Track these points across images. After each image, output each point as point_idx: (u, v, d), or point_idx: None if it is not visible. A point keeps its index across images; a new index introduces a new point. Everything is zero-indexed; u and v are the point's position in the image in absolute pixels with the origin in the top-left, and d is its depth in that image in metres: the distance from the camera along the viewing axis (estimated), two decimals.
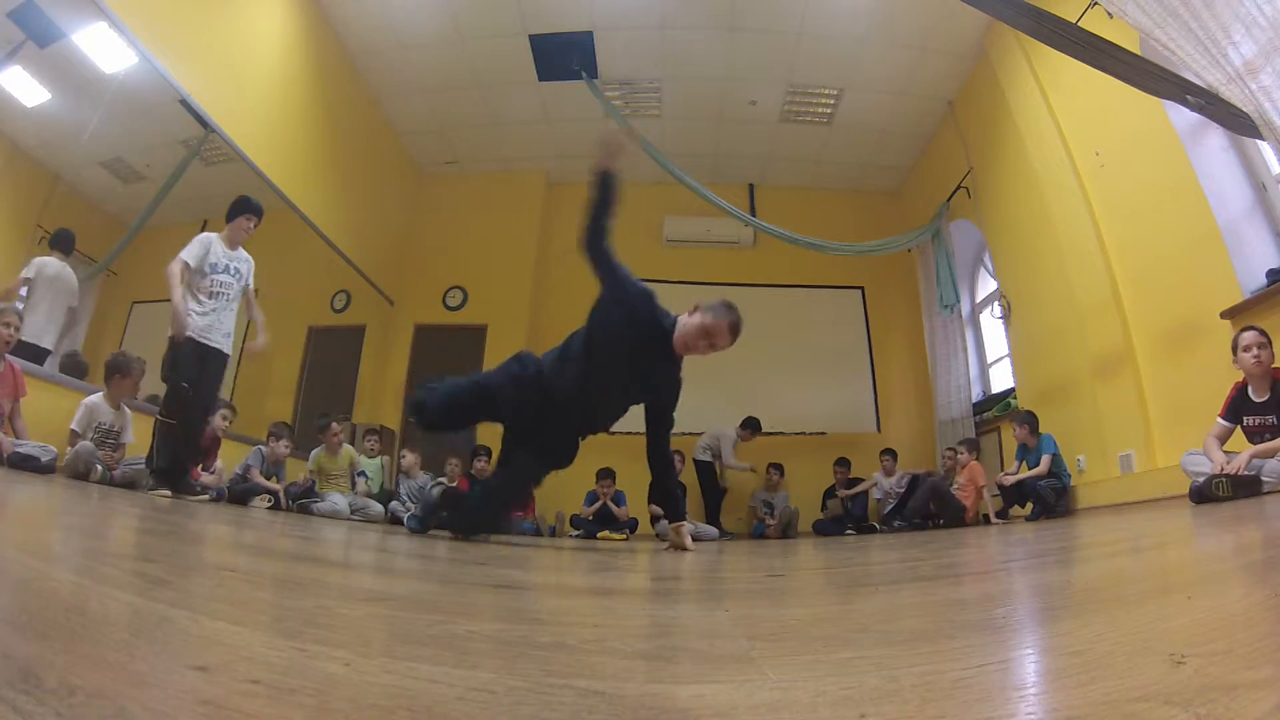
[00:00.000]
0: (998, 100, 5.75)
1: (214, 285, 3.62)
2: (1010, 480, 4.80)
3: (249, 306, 3.92)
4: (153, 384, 4.61)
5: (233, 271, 3.71)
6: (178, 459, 3.49)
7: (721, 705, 0.44)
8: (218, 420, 4.34)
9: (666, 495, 2.92)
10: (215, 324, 3.61)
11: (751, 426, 6.50)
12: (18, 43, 3.69)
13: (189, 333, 3.47)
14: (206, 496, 3.68)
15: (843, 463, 6.45)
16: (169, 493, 3.38)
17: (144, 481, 3.63)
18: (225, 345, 3.67)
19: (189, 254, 3.56)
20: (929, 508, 5.35)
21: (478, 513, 2.87)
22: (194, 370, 3.48)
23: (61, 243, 3.98)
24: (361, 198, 6.72)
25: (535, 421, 2.77)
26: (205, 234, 3.68)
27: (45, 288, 3.83)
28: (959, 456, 5.37)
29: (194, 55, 4.49)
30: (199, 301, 3.57)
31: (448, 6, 5.81)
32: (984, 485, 5.24)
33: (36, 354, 3.83)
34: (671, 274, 7.42)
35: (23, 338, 3.60)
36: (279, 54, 5.37)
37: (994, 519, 5.04)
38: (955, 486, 5.28)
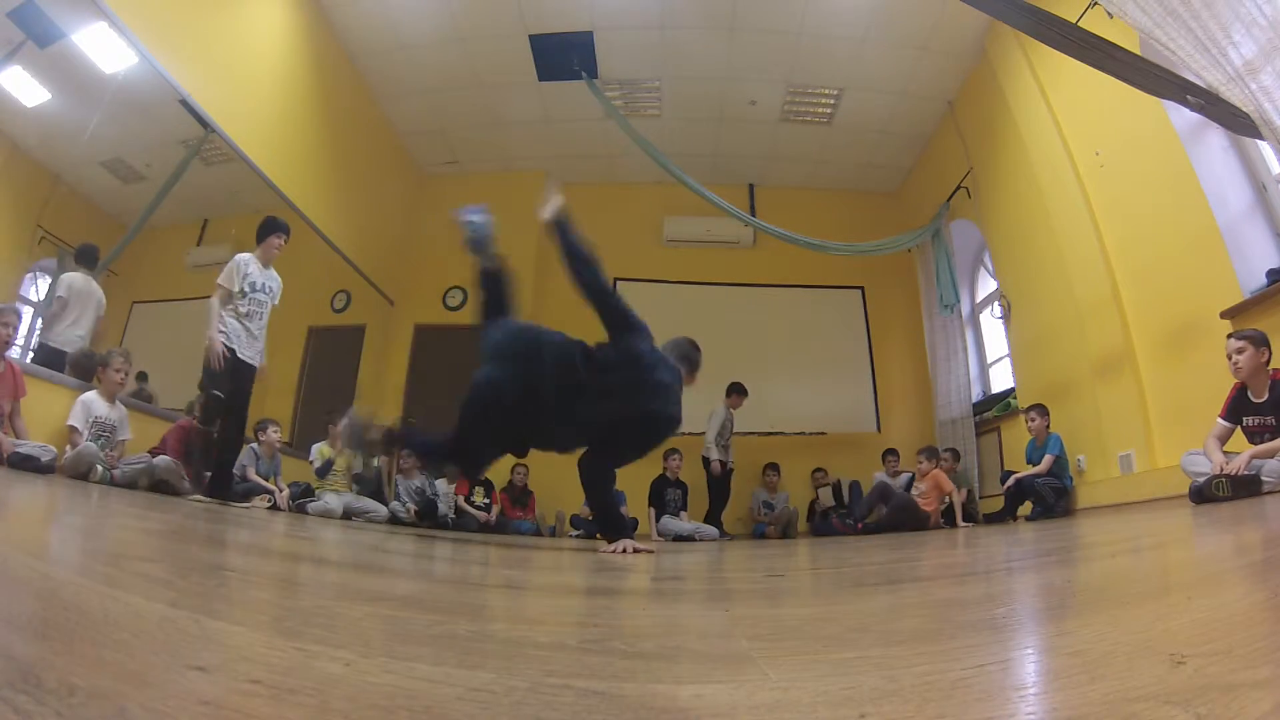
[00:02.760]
0: (998, 100, 5.74)
1: (250, 304, 3.81)
2: (1009, 482, 4.78)
3: None
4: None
5: (267, 290, 3.91)
6: (221, 466, 3.66)
7: (721, 705, 0.44)
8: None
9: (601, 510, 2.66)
10: (250, 340, 3.80)
11: (737, 391, 6.21)
12: (18, 43, 3.69)
13: (225, 344, 3.65)
14: (263, 504, 3.99)
15: (820, 471, 6.68)
16: (215, 500, 3.49)
17: (143, 481, 3.68)
18: (257, 360, 3.87)
19: (226, 279, 3.75)
20: (882, 509, 5.34)
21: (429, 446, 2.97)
22: (227, 382, 3.65)
23: (85, 258, 4.14)
24: (361, 198, 6.71)
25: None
26: (240, 255, 3.83)
27: (77, 302, 4.00)
28: (920, 465, 5.33)
29: (194, 55, 4.48)
30: (240, 322, 3.76)
31: (447, 6, 5.81)
32: (950, 492, 5.17)
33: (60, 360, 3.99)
34: (671, 274, 7.43)
35: (60, 347, 3.90)
36: (279, 54, 5.37)
37: (960, 523, 5.01)
38: (918, 494, 5.26)
